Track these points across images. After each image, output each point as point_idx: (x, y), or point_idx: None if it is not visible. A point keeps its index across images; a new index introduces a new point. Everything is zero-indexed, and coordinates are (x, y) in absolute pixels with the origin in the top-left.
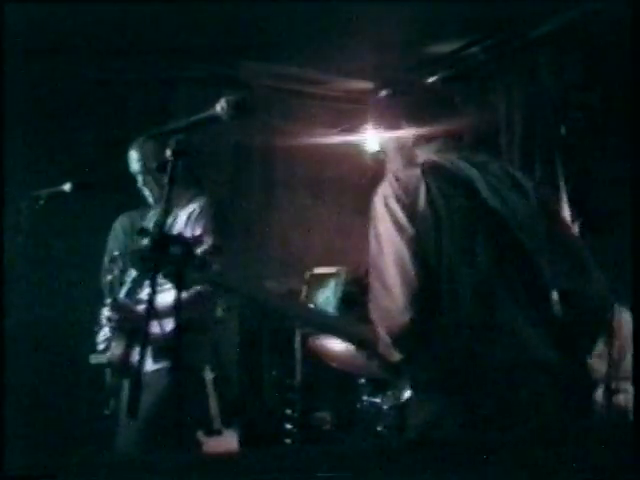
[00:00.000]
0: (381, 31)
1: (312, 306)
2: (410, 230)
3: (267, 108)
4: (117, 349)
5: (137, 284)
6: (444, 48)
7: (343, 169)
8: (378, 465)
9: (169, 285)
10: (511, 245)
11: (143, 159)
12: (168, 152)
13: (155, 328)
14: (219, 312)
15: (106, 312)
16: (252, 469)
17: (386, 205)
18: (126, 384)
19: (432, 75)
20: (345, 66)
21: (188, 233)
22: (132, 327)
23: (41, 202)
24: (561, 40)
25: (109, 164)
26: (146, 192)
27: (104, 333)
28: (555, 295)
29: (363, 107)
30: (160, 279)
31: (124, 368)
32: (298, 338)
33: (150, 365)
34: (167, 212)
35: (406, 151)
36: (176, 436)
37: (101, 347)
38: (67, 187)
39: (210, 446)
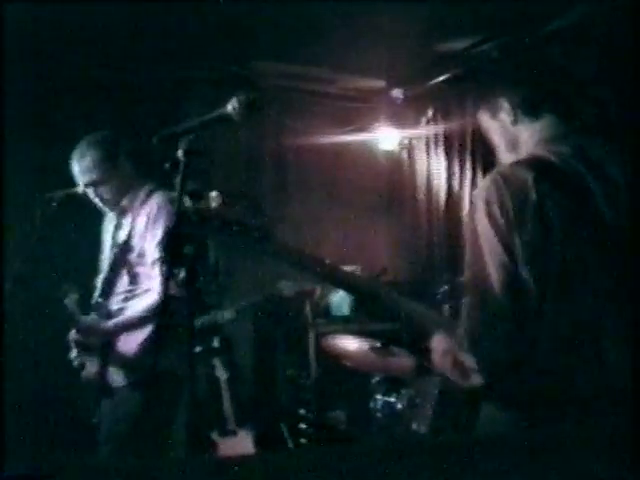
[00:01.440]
0: (393, 29)
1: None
2: (515, 244)
3: (278, 108)
4: (92, 367)
5: (104, 294)
6: (457, 45)
7: (356, 168)
8: (392, 465)
9: (142, 289)
10: (625, 260)
11: (90, 170)
12: (180, 152)
13: (129, 340)
14: (230, 312)
15: (72, 335)
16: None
17: (488, 208)
18: (104, 399)
19: (444, 73)
20: (357, 64)
21: (149, 235)
22: (102, 345)
23: (54, 204)
24: (573, 36)
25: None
26: (100, 203)
27: (75, 355)
28: None
29: (375, 105)
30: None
31: (100, 385)
32: (312, 337)
33: (124, 379)
34: (180, 211)
35: (509, 133)
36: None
37: (75, 363)
38: (80, 188)
39: (224, 446)
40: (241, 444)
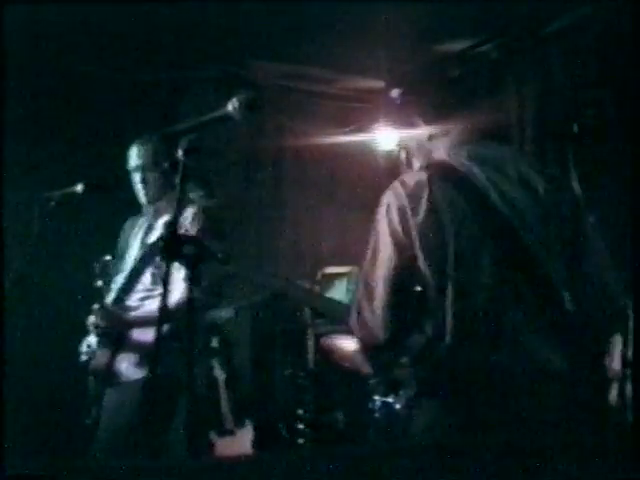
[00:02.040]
0: (391, 29)
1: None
2: (410, 243)
3: (278, 107)
4: (102, 357)
5: (124, 291)
6: (455, 46)
7: (354, 168)
8: (391, 466)
9: (159, 291)
10: (519, 250)
11: (146, 155)
12: (180, 152)
13: (143, 335)
14: (228, 312)
15: (92, 319)
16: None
17: (387, 213)
18: (109, 392)
19: (443, 73)
20: (356, 64)
21: None
22: (118, 335)
23: (52, 204)
24: (573, 37)
25: (122, 165)
26: (141, 191)
27: (87, 343)
28: (567, 299)
29: (374, 106)
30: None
31: (108, 376)
32: (310, 338)
33: (133, 373)
34: (179, 211)
35: (424, 147)
36: (186, 438)
37: (84, 358)
38: (79, 188)
39: (222, 446)
40: (239, 444)
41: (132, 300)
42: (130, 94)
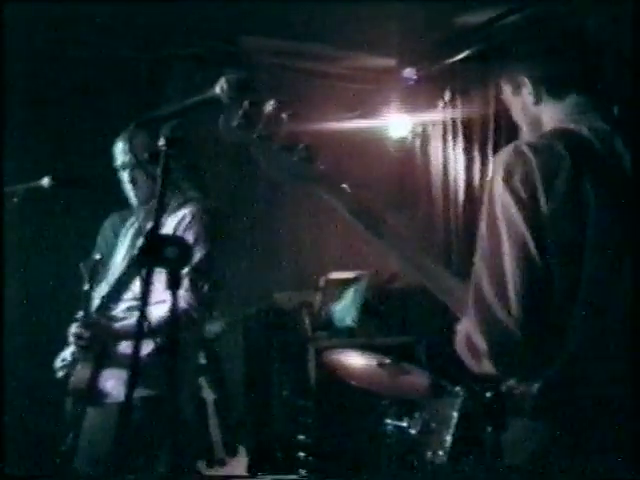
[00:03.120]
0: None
1: None
2: (540, 215)
3: (273, 89)
4: (83, 372)
5: (110, 299)
6: (477, 18)
7: (363, 158)
8: None
9: (154, 300)
10: None
11: (132, 151)
12: (161, 140)
13: (127, 350)
14: (218, 327)
15: (75, 329)
16: None
17: (509, 180)
18: (91, 414)
19: (463, 50)
20: (362, 40)
21: None
22: (101, 348)
23: (15, 199)
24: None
25: (94, 156)
26: (132, 191)
27: (63, 357)
28: None
29: (385, 87)
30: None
31: (89, 395)
32: (312, 353)
33: (120, 393)
34: (161, 209)
35: (531, 112)
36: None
37: (60, 374)
38: (45, 182)
39: (213, 478)
40: (231, 475)
41: (119, 310)
42: (105, 75)
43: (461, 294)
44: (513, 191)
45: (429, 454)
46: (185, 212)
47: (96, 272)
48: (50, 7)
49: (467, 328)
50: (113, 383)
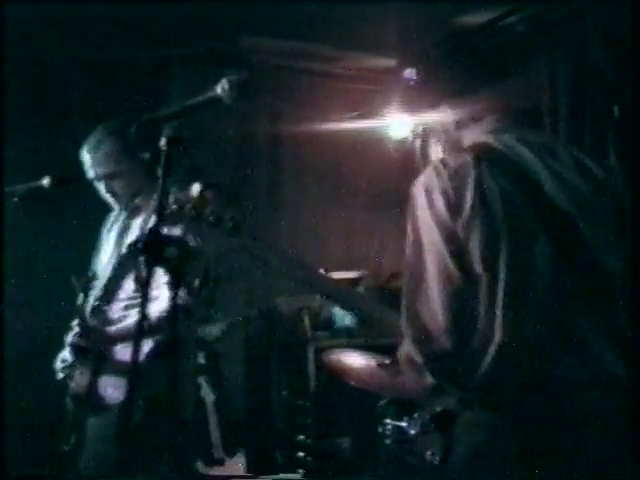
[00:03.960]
0: None
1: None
2: (457, 230)
3: (273, 89)
4: (82, 378)
5: (104, 300)
6: (477, 18)
7: (362, 160)
8: None
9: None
10: (578, 245)
11: (105, 161)
12: (162, 141)
13: (128, 353)
14: (218, 330)
15: (72, 338)
16: None
17: (428, 198)
18: (93, 419)
19: (464, 50)
20: (363, 40)
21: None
22: (98, 354)
23: (15, 199)
24: (613, 5)
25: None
26: (111, 199)
27: (62, 358)
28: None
29: (384, 88)
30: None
31: (91, 401)
32: (311, 353)
33: (121, 396)
34: (162, 209)
35: (450, 134)
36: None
37: (60, 375)
38: (45, 182)
39: (211, 477)
40: (230, 475)
41: (114, 311)
42: (105, 75)
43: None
44: (432, 206)
45: (428, 454)
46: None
47: (90, 287)
48: (50, 7)
49: (406, 347)
50: (112, 387)
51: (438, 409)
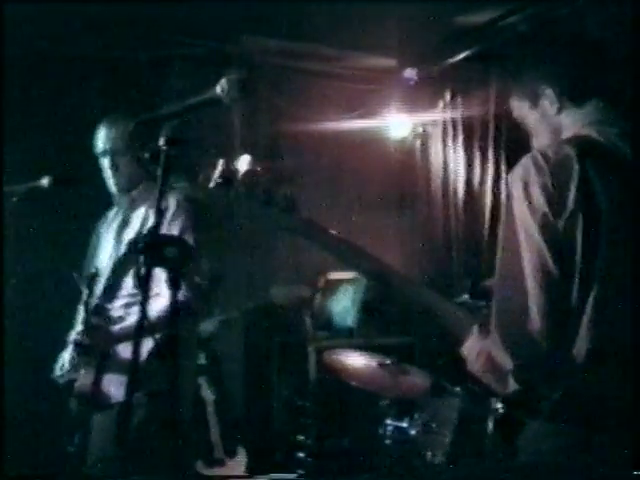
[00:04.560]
0: None
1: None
2: (558, 228)
3: (273, 90)
4: (86, 378)
5: (105, 298)
6: (479, 18)
7: (363, 159)
8: None
9: (150, 293)
10: None
11: (115, 138)
12: (161, 140)
13: (127, 352)
14: (214, 325)
15: (76, 336)
16: None
17: (526, 192)
18: (98, 418)
19: (465, 50)
20: (363, 40)
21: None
22: (102, 353)
23: (15, 199)
24: (613, 5)
25: (94, 156)
26: (111, 178)
27: (62, 362)
28: None
29: (385, 87)
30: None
31: (95, 399)
32: (312, 353)
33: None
34: (161, 209)
35: (551, 121)
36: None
37: (59, 375)
38: (45, 182)
39: (211, 478)
40: (230, 475)
41: (115, 308)
42: (105, 75)
43: (461, 318)
44: (531, 203)
45: (429, 454)
46: (168, 202)
47: (94, 285)
48: (50, 7)
49: (489, 349)
50: (117, 385)
51: (500, 412)
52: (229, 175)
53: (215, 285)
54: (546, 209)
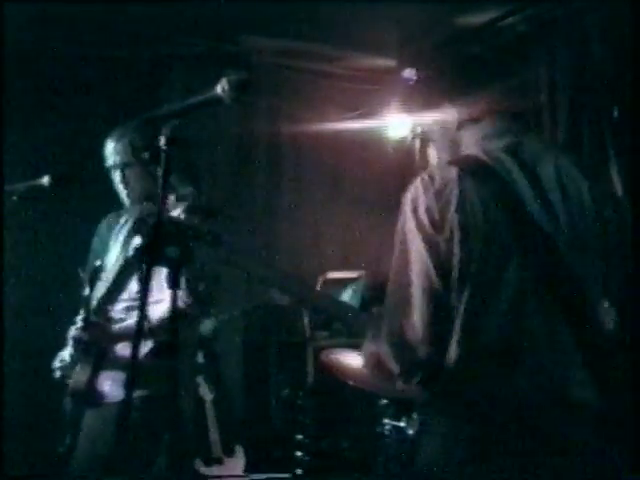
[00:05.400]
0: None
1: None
2: (440, 246)
3: (273, 89)
4: (82, 375)
5: (107, 300)
6: (478, 18)
7: (362, 159)
8: None
9: (151, 300)
10: (552, 259)
11: (124, 151)
12: (162, 140)
13: (128, 351)
14: (212, 325)
15: (75, 332)
16: None
17: (414, 212)
18: (89, 415)
19: (464, 50)
20: (363, 40)
21: None
22: (100, 350)
23: (15, 198)
24: (613, 4)
25: (94, 155)
26: (124, 191)
27: (62, 358)
28: (604, 317)
29: (384, 87)
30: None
31: (89, 397)
32: (310, 352)
33: (119, 394)
34: (162, 209)
35: (451, 136)
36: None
37: (58, 374)
38: (45, 181)
39: (209, 476)
40: (228, 474)
41: (116, 311)
42: (105, 75)
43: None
44: (418, 222)
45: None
46: (177, 211)
47: (96, 278)
48: (50, 7)
49: (378, 353)
50: (112, 384)
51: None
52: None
53: (214, 286)
54: (429, 228)
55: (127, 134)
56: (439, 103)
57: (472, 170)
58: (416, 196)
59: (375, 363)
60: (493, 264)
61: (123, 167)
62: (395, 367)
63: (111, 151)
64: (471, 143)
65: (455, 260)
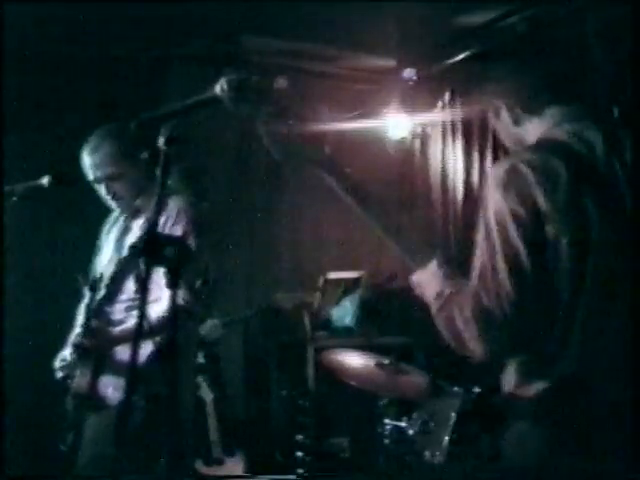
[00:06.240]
0: None
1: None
2: (541, 234)
3: (273, 89)
4: (83, 378)
5: (105, 302)
6: (477, 19)
7: (362, 159)
8: None
9: (151, 297)
10: None
11: (103, 164)
12: (161, 140)
13: (126, 354)
14: (219, 331)
15: (76, 338)
16: None
17: (505, 201)
18: (92, 418)
19: (464, 50)
20: (363, 40)
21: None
22: (100, 353)
23: (14, 199)
24: (613, 5)
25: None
26: (112, 202)
27: (63, 357)
28: None
29: (385, 87)
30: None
31: (91, 399)
32: (311, 352)
33: (119, 396)
34: (159, 209)
35: (513, 132)
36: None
37: (59, 374)
38: (45, 181)
39: (210, 477)
40: (228, 474)
41: (116, 312)
42: (104, 75)
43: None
44: (510, 208)
45: (427, 454)
46: (170, 206)
47: (98, 288)
48: (50, 7)
49: (459, 307)
50: (113, 387)
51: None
52: (263, 91)
53: (213, 287)
54: (527, 215)
55: (102, 145)
56: (493, 99)
57: (572, 159)
58: (508, 182)
59: (448, 323)
60: (610, 260)
61: (107, 179)
62: (471, 331)
63: (90, 166)
64: (540, 133)
65: (565, 248)
